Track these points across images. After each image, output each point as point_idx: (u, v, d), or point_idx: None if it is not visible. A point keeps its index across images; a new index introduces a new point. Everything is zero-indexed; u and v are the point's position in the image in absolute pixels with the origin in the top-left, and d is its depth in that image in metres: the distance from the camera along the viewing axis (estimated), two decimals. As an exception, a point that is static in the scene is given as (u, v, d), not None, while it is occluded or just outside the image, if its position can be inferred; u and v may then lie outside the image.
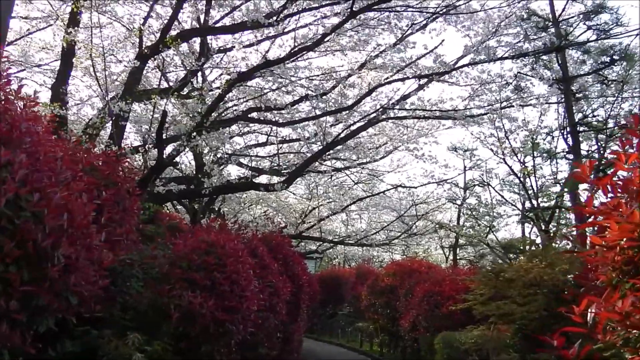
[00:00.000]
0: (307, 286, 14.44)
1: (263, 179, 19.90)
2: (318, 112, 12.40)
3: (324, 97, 12.12)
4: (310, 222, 21.94)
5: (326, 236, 22.79)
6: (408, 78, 12.09)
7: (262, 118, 11.85)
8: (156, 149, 9.97)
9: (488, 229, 21.88)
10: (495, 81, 14.72)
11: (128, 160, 10.26)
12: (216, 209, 22.80)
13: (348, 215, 26.44)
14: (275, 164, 16.20)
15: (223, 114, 12.69)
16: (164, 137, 11.55)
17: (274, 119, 12.52)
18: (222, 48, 13.88)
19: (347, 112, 14.92)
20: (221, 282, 8.35)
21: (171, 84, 14.13)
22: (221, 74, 15.22)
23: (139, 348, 7.86)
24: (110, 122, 11.72)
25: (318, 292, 25.79)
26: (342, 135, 14.08)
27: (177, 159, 21.08)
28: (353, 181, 20.40)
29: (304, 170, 14.39)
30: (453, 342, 14.59)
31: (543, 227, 17.65)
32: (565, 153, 17.56)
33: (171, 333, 8.13)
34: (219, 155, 15.46)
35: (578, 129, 15.01)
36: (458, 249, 24.97)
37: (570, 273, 9.47)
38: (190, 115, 10.96)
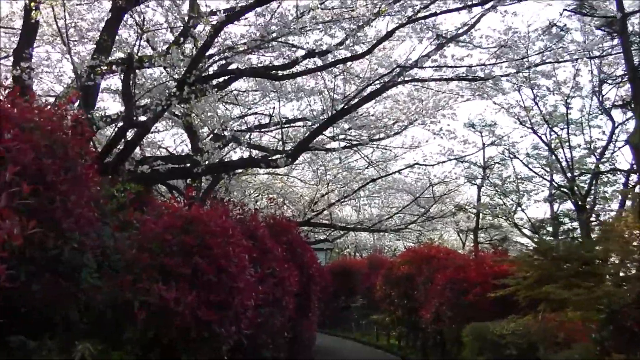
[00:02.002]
0: (318, 276, 12.12)
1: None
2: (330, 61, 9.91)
3: (338, 48, 9.69)
4: (319, 209, 19.50)
5: (337, 224, 20.28)
6: (435, 14, 9.68)
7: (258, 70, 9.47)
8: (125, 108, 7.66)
9: (515, 206, 19.43)
10: (522, 40, 12.41)
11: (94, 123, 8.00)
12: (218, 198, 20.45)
13: (358, 201, 24.08)
14: (279, 144, 13.90)
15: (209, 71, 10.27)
16: (142, 105, 9.20)
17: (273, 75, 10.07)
18: (213, 10, 11.51)
19: (359, 77, 12.64)
20: (205, 269, 6.06)
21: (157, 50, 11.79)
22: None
23: (92, 362, 5.59)
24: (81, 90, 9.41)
25: (330, 284, 23.59)
26: (354, 101, 11.74)
27: (172, 144, 18.82)
28: (366, 160, 17.92)
29: (310, 142, 12.07)
30: (486, 334, 12.26)
31: (579, 203, 15.22)
32: (621, 105, 15.04)
33: (138, 339, 5.83)
34: (215, 132, 13.19)
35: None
36: (479, 232, 22.58)
37: None
38: (171, 69, 8.67)
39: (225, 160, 13.40)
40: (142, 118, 9.42)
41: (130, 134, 8.76)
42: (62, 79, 12.36)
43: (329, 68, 10.26)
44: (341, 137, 16.29)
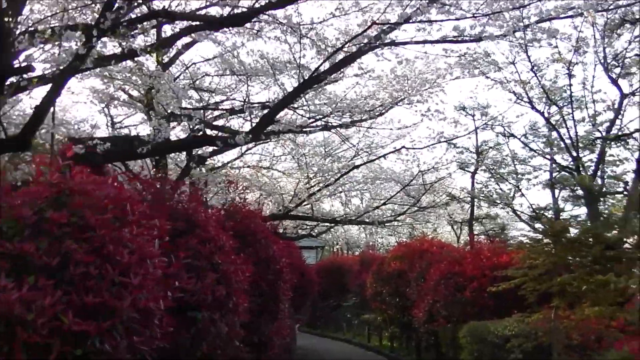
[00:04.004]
0: (289, 272, 10.13)
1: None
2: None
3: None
4: (299, 201, 17.38)
5: (318, 216, 18.08)
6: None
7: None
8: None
9: (513, 190, 17.31)
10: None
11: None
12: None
13: (347, 194, 22.01)
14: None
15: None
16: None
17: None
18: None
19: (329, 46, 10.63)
20: (79, 258, 4.03)
21: None
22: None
23: None
24: None
25: (317, 283, 21.66)
26: (324, 67, 9.73)
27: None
28: (350, 146, 15.83)
29: (274, 116, 10.09)
30: (485, 336, 10.25)
31: (586, 183, 13.18)
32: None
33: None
34: (169, 110, 11.21)
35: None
36: (474, 223, 20.51)
37: None
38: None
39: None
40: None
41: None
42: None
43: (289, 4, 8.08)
44: (320, 119, 14.27)
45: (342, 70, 13.94)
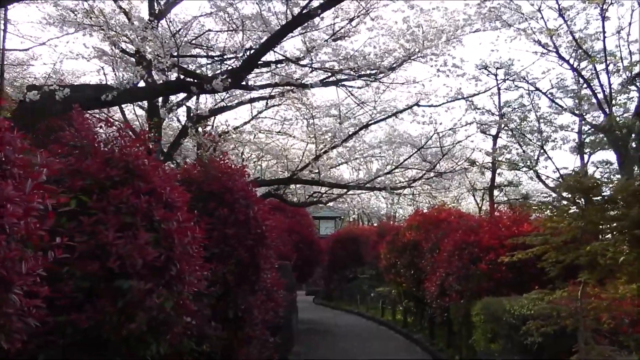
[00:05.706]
0: (275, 237, 8.72)
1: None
2: None
3: None
4: (304, 165, 15.85)
5: (325, 181, 16.50)
6: None
7: None
8: None
9: (538, 151, 15.49)
10: None
11: None
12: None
13: (362, 160, 20.47)
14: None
15: None
16: None
17: None
18: None
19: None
20: None
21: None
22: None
23: None
24: None
25: (327, 253, 20.27)
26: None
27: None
28: (358, 104, 14.14)
29: (258, 58, 8.66)
30: (500, 314, 8.76)
31: (620, 143, 11.45)
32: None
33: None
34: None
35: None
36: (495, 190, 18.82)
37: None
38: None
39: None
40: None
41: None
42: None
43: None
44: (328, 75, 12.75)
45: (344, 12, 12.39)
